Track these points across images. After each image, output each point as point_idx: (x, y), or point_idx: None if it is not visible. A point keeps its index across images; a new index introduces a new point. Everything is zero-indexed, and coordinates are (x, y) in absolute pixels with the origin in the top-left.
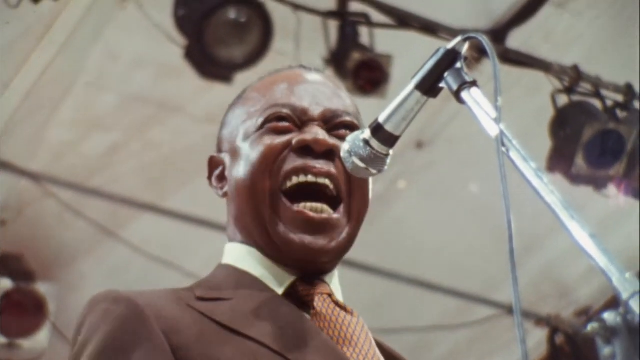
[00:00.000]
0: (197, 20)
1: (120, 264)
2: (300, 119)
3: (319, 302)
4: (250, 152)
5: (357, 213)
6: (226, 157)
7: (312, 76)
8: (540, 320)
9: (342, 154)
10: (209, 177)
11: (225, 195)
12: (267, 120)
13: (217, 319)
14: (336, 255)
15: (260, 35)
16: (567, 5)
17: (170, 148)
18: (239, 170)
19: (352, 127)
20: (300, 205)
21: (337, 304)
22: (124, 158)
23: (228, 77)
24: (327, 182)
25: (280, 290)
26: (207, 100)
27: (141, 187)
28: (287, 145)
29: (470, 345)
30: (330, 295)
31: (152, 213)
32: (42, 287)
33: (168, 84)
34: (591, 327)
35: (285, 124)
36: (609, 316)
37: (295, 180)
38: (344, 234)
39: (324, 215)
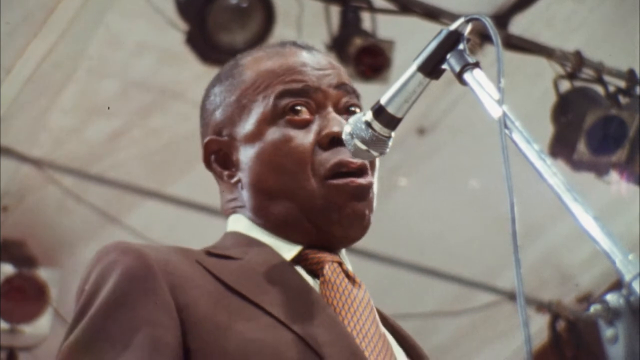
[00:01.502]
0: (198, 6)
1: None
2: (315, 104)
3: (329, 270)
4: (278, 148)
5: (373, 196)
6: (234, 143)
7: (314, 56)
8: (541, 307)
9: (343, 136)
10: (206, 160)
11: (237, 182)
12: (284, 112)
13: (224, 279)
14: (369, 226)
15: (262, 20)
16: None
17: (172, 134)
18: (268, 166)
19: (359, 108)
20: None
21: (346, 273)
22: (126, 144)
23: None
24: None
25: (289, 256)
26: None
27: (143, 173)
28: (315, 141)
29: (472, 331)
30: (340, 263)
31: (154, 199)
32: (43, 273)
33: (170, 69)
34: (594, 308)
35: (305, 117)
36: (611, 298)
37: (344, 170)
38: (372, 208)
39: (367, 178)
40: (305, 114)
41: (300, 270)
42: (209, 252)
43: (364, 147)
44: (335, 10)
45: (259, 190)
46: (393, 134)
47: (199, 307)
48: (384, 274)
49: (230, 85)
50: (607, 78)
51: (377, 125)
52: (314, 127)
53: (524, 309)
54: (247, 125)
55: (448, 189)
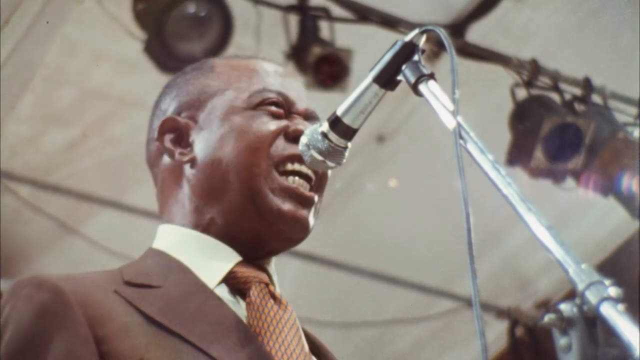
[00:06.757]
0: (156, 14)
1: (81, 260)
2: (288, 109)
3: (255, 292)
4: (243, 129)
5: (319, 204)
6: (194, 125)
7: (286, 71)
8: (500, 313)
9: (300, 147)
10: (159, 139)
11: (189, 161)
12: (261, 103)
13: (144, 309)
14: (308, 233)
15: (220, 29)
16: (526, 0)
17: (130, 143)
18: (228, 145)
19: None
20: (290, 179)
21: (272, 295)
22: (84, 153)
23: None
24: (311, 174)
25: (214, 281)
26: None
27: (101, 183)
28: (283, 130)
29: (431, 338)
30: (267, 285)
31: (112, 208)
32: (1, 284)
33: (127, 78)
34: (548, 318)
35: (279, 110)
36: (565, 307)
37: (290, 166)
38: (315, 218)
39: (311, 193)
40: (280, 110)
41: (225, 290)
42: (128, 282)
43: (320, 157)
44: (293, 19)
45: (213, 169)
46: (349, 144)
47: (119, 340)
48: (344, 281)
49: (196, 76)
50: (563, 86)
51: (333, 136)
52: (284, 122)
53: (481, 320)
54: (215, 110)
55: (407, 196)
